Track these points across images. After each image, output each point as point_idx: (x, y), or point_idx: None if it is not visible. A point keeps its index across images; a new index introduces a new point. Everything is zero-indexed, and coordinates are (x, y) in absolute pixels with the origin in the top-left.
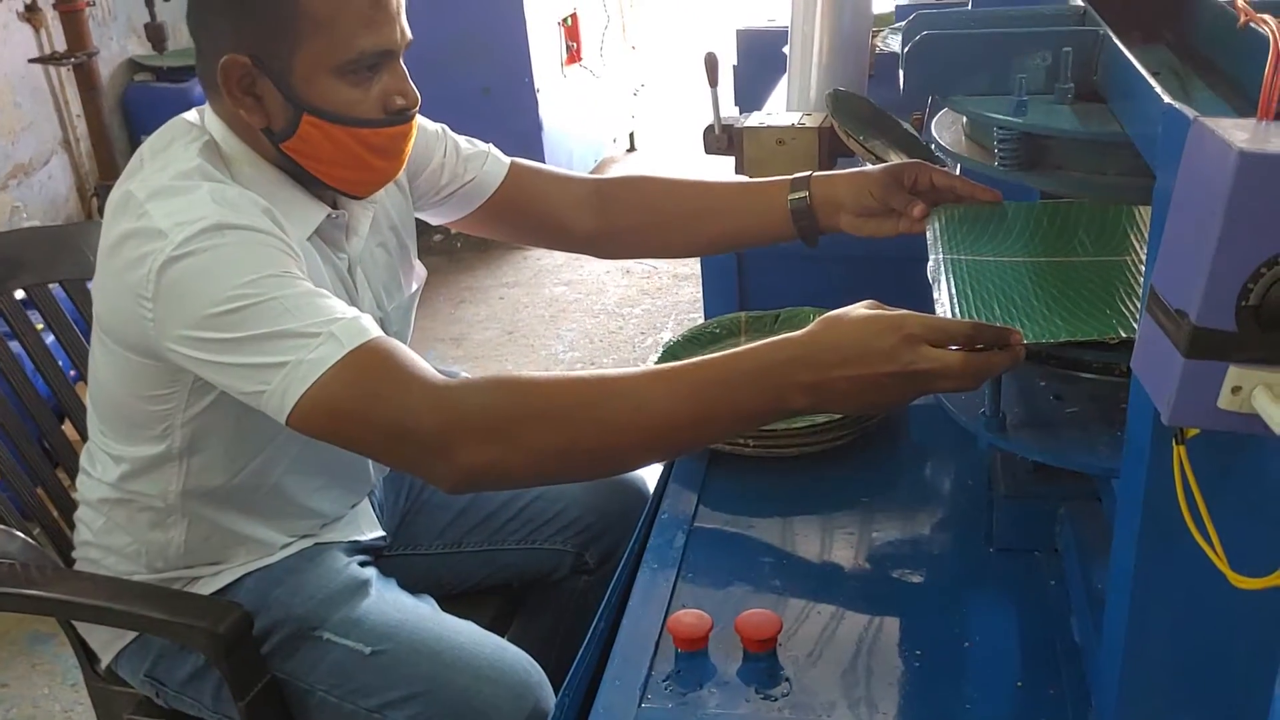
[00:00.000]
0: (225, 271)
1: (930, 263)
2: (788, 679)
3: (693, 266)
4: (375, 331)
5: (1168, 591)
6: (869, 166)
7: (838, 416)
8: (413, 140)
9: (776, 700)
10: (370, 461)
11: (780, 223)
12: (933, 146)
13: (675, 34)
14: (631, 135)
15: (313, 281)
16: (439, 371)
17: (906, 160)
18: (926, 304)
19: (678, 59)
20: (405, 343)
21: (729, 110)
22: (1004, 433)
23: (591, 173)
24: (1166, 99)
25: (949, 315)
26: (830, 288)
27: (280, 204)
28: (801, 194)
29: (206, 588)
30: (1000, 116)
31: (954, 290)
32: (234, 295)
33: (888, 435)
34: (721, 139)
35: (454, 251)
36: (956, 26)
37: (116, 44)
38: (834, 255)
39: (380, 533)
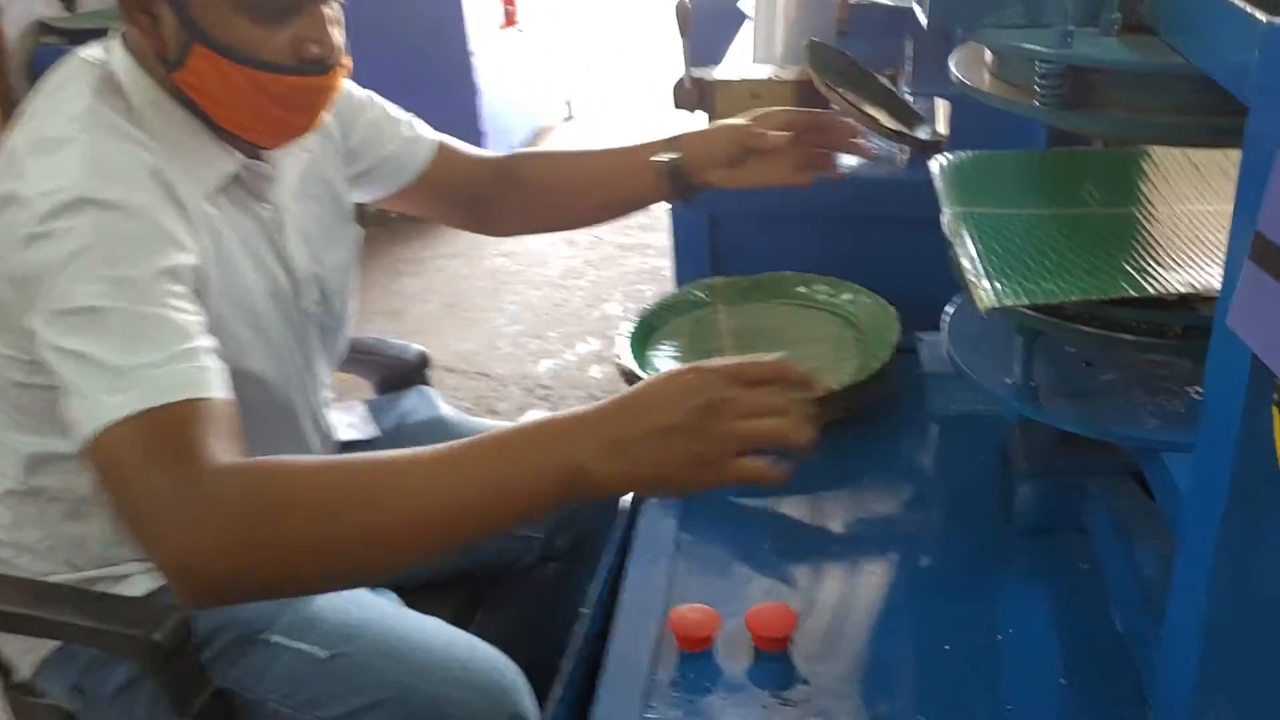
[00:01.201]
0: (72, 267)
1: (946, 216)
2: (804, 680)
3: (638, 236)
4: (190, 390)
5: (1255, 581)
6: (730, 120)
7: (834, 389)
8: (330, 98)
9: (795, 705)
10: (317, 445)
11: (646, 184)
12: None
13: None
14: (569, 102)
15: (221, 246)
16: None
17: (768, 110)
18: (908, 262)
19: (615, 20)
20: (345, 307)
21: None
22: (1036, 403)
23: (529, 144)
24: (1266, 19)
25: (978, 272)
26: (807, 249)
27: (184, 154)
28: (673, 156)
29: (137, 588)
30: (1043, 49)
31: (980, 247)
32: (71, 297)
33: (884, 410)
34: (692, 93)
35: (388, 222)
36: None
37: (23, 3)
38: (809, 215)
39: None
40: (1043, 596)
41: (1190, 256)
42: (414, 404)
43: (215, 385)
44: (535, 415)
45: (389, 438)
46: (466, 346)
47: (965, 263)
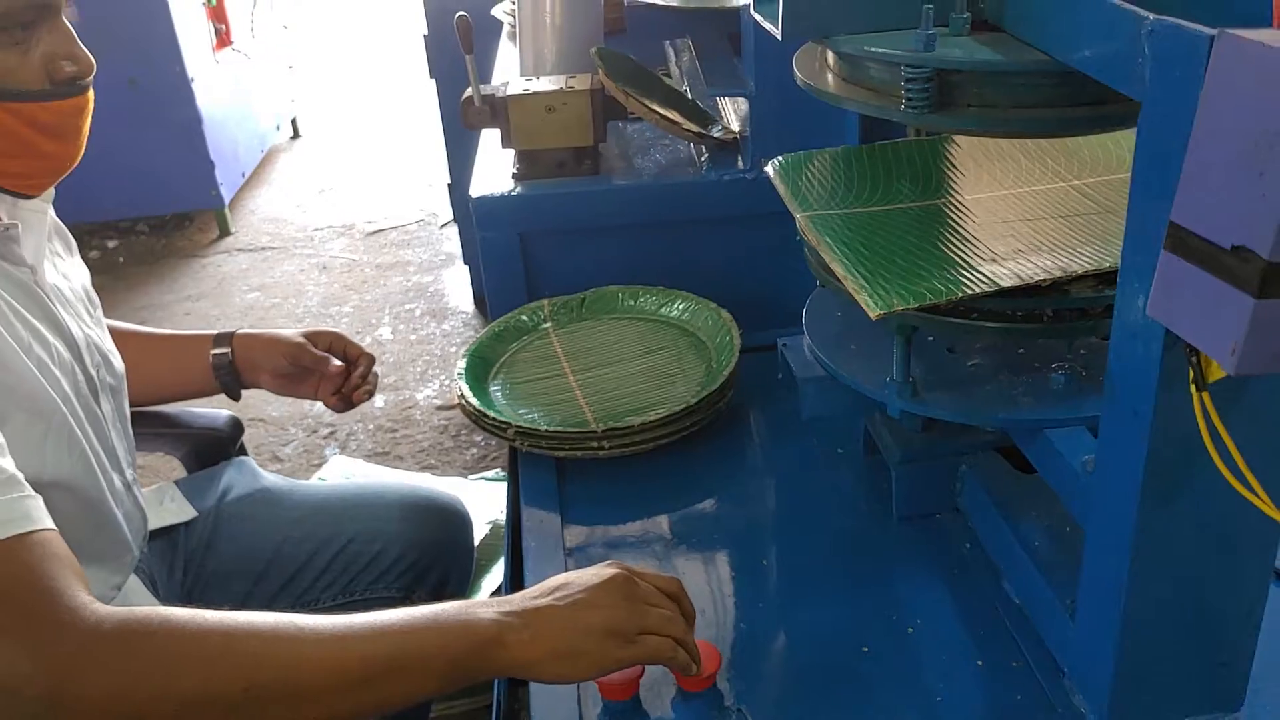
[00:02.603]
0: None
1: (799, 220)
2: (737, 710)
3: (396, 254)
4: (16, 524)
5: (1168, 548)
6: (286, 332)
7: (692, 402)
8: (89, 118)
9: None
10: (128, 524)
11: (204, 377)
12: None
13: (329, 9)
14: (294, 121)
15: None
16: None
17: (323, 329)
18: (722, 260)
19: (334, 35)
20: (121, 365)
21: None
22: (918, 398)
23: (260, 164)
24: (1149, 15)
25: (857, 281)
26: (624, 260)
27: None
28: (224, 350)
29: None
30: (906, 53)
31: (846, 250)
32: None
33: (740, 418)
34: (484, 110)
35: (117, 268)
36: None
37: None
38: (617, 226)
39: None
40: (939, 582)
41: (1024, 238)
42: (233, 478)
43: (41, 515)
44: (340, 459)
45: (210, 517)
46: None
47: (841, 270)
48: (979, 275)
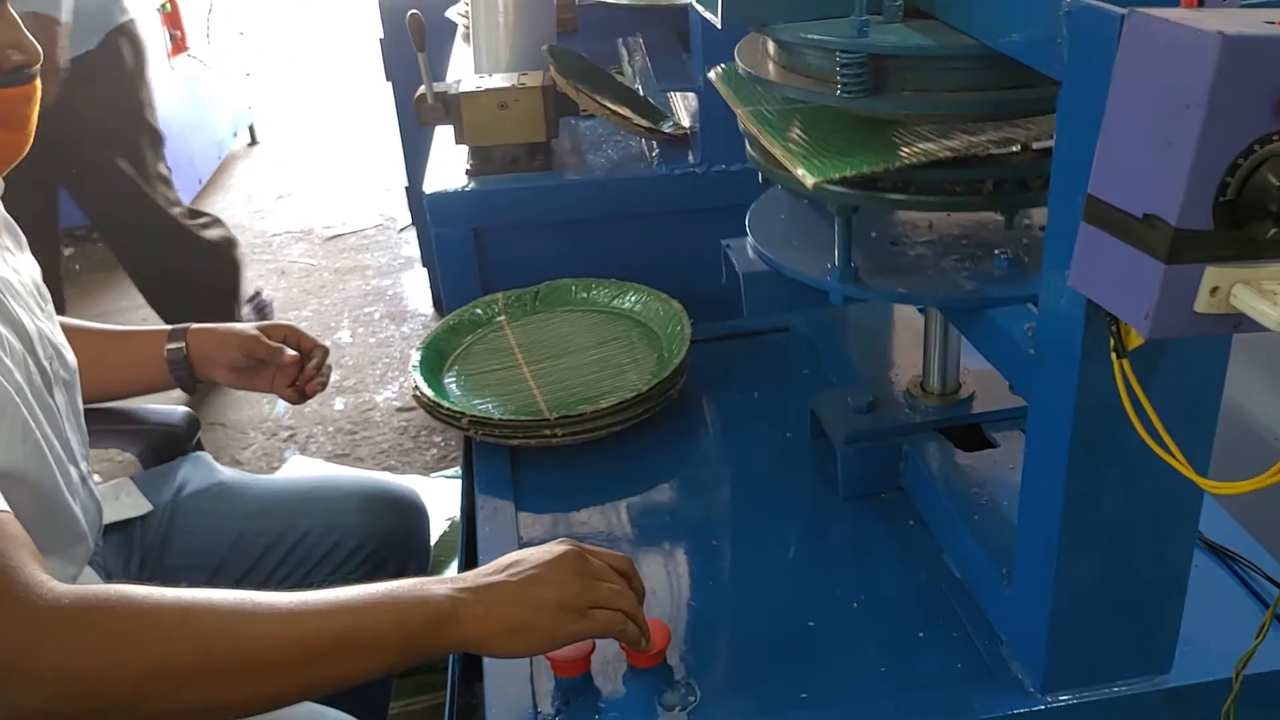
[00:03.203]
0: None
1: (739, 114)
2: (686, 684)
3: (354, 259)
4: None
5: (1096, 513)
6: (241, 325)
7: (643, 390)
8: (37, 105)
9: (686, 708)
10: (83, 516)
11: (159, 372)
12: (709, 80)
13: (285, 15)
14: (251, 127)
15: None
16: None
17: (277, 322)
18: (675, 251)
19: (290, 41)
20: (74, 358)
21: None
22: (859, 283)
23: (217, 171)
24: None
25: (793, 158)
26: (577, 253)
27: None
28: (179, 344)
29: None
30: (840, 40)
31: (783, 136)
32: None
33: (691, 406)
34: (436, 108)
35: (73, 275)
36: None
37: None
38: (571, 220)
39: None
40: (883, 558)
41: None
42: (189, 474)
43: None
44: (300, 459)
45: (166, 511)
46: (193, 397)
47: (778, 152)
48: (918, 149)
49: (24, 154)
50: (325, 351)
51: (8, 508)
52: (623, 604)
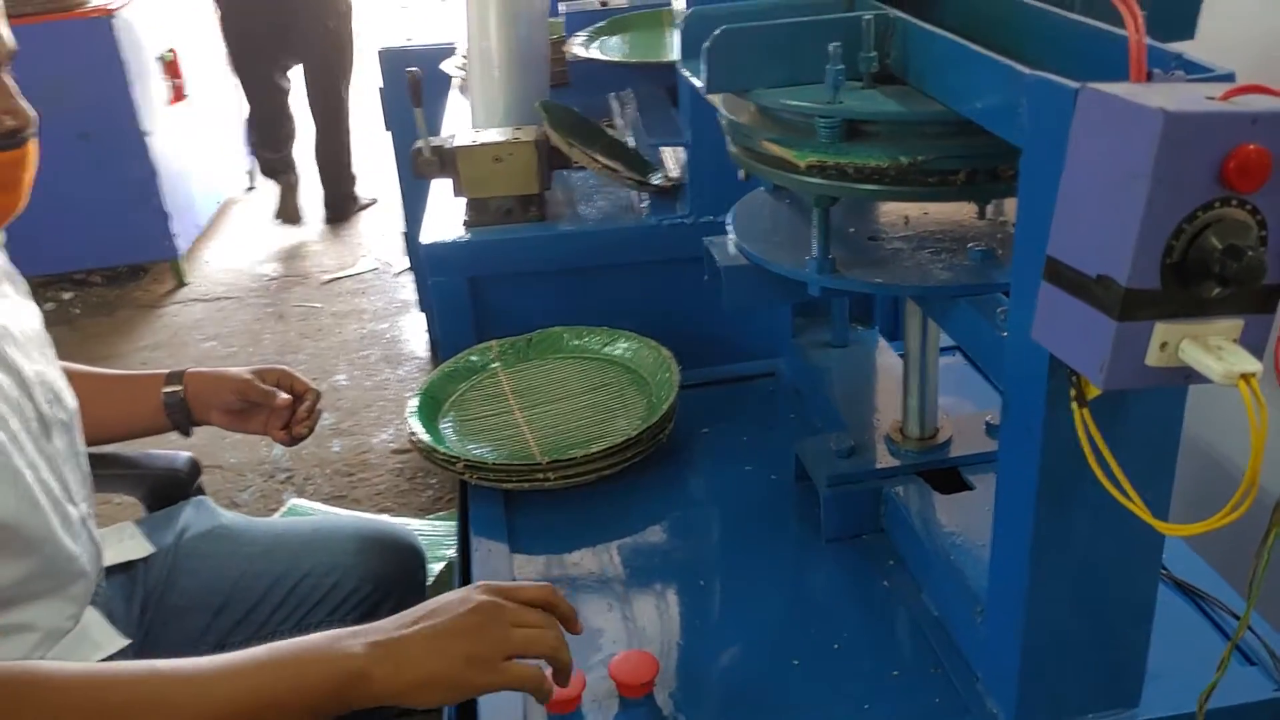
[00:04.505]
0: None
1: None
2: (675, 717)
3: (351, 303)
4: None
5: (1065, 553)
6: (235, 369)
7: (633, 434)
8: (31, 168)
9: None
10: (83, 556)
11: (156, 415)
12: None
13: None
14: (250, 173)
15: None
16: None
17: (270, 366)
18: (664, 300)
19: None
20: (73, 402)
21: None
22: (836, 274)
23: (216, 215)
24: (1026, 71)
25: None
26: (569, 302)
27: None
28: (176, 388)
29: None
30: (816, 105)
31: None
32: None
33: (679, 449)
34: (433, 161)
35: (73, 320)
36: (739, 19)
37: None
38: (564, 270)
39: (123, 643)
40: (863, 598)
41: None
42: (191, 517)
43: None
44: (298, 502)
45: (169, 553)
46: (190, 440)
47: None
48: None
49: (17, 214)
50: (317, 395)
51: None
52: (539, 649)
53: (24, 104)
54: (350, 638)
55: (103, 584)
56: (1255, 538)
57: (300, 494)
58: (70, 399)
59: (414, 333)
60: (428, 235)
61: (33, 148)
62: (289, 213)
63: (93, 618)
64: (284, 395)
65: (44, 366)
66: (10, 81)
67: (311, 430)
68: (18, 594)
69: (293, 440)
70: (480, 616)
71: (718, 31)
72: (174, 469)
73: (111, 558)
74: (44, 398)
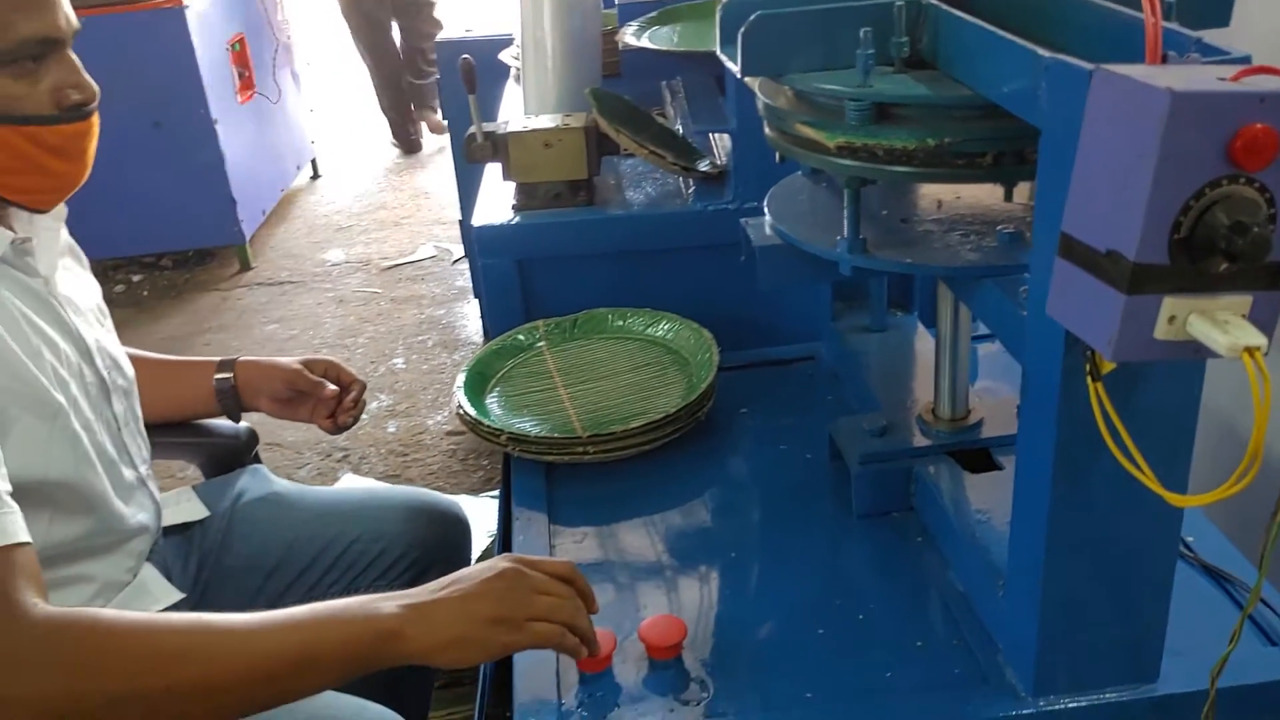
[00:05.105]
0: None
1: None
2: (700, 680)
3: (410, 289)
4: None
5: (1081, 526)
6: (285, 359)
7: (671, 411)
8: (95, 140)
9: (699, 703)
10: (140, 517)
11: (206, 400)
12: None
13: (347, 53)
14: (314, 161)
15: (1, 325)
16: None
17: (318, 357)
18: (707, 284)
19: (351, 78)
20: (131, 370)
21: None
22: (867, 253)
23: (280, 202)
24: (1045, 54)
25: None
26: (614, 284)
27: None
28: (227, 375)
29: None
30: (847, 89)
31: None
32: None
33: (717, 430)
34: (485, 146)
35: (141, 301)
36: (773, 4)
37: None
38: (610, 253)
39: (179, 596)
40: (891, 572)
41: None
42: (247, 484)
43: (20, 530)
44: (352, 477)
45: (225, 517)
46: (252, 418)
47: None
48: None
49: (82, 183)
50: (362, 386)
51: (24, 539)
52: (561, 616)
53: (88, 79)
54: (385, 600)
55: (160, 542)
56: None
57: (355, 472)
58: (128, 367)
59: (470, 319)
60: (479, 218)
61: (96, 120)
62: (410, 145)
63: (150, 573)
64: (331, 386)
65: (103, 335)
66: (75, 58)
67: (356, 420)
68: (77, 549)
69: (338, 428)
70: (505, 581)
71: (753, 16)
72: (233, 438)
73: (169, 519)
74: (104, 364)
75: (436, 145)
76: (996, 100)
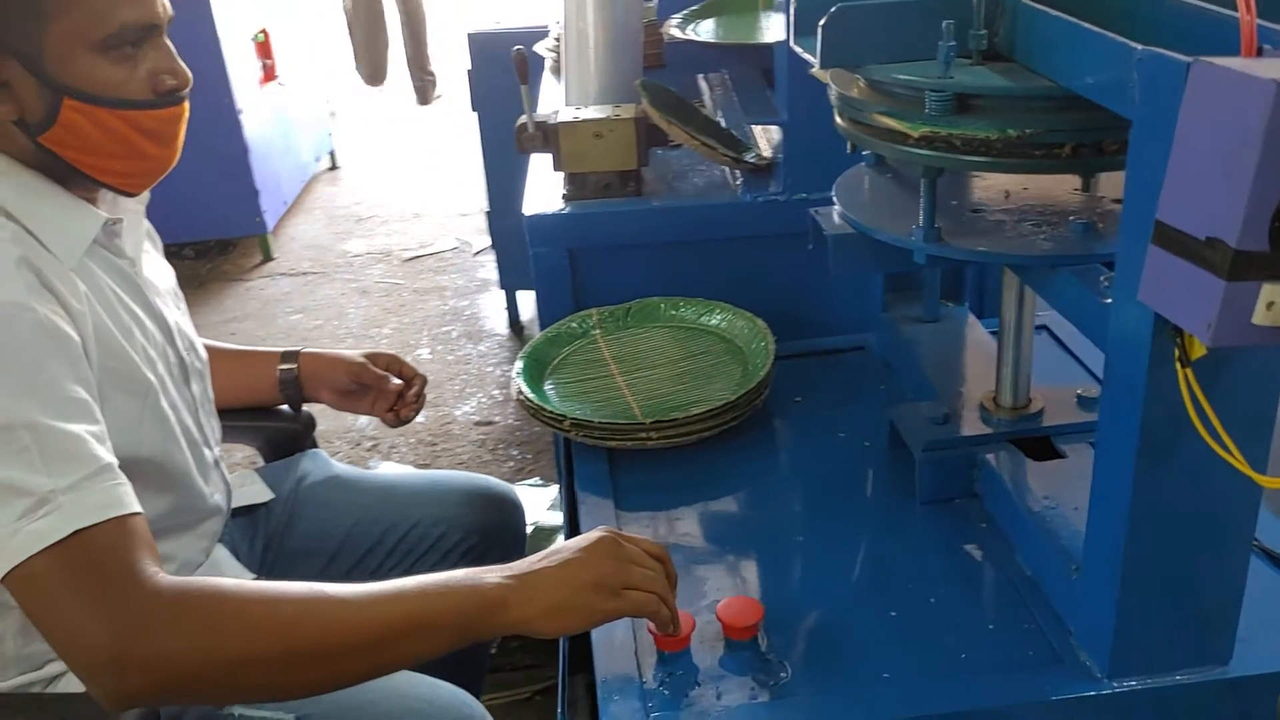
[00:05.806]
0: None
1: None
2: (777, 661)
3: (433, 280)
4: (111, 510)
5: (1162, 511)
6: (349, 352)
7: (732, 398)
8: (185, 124)
9: (778, 684)
10: (215, 495)
11: (269, 390)
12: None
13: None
14: (333, 153)
15: (94, 317)
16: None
17: (381, 351)
18: (755, 274)
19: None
20: (203, 353)
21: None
22: (942, 242)
23: (301, 193)
24: (1139, 46)
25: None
26: (665, 274)
27: (46, 220)
28: (291, 365)
29: (74, 683)
30: (927, 80)
31: None
32: None
33: (775, 416)
34: (536, 136)
35: (206, 284)
36: None
37: None
38: (660, 243)
39: (250, 577)
40: (957, 557)
41: None
42: (308, 467)
43: (133, 500)
44: (392, 465)
45: (289, 499)
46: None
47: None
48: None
49: (172, 167)
50: (424, 380)
51: (139, 509)
52: (655, 587)
53: (183, 65)
54: (489, 572)
55: (229, 524)
56: None
57: (386, 461)
58: (202, 349)
59: (494, 310)
60: (530, 208)
61: (187, 106)
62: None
63: (222, 553)
64: (396, 380)
65: (181, 318)
66: (170, 44)
67: (417, 414)
68: (160, 528)
69: (399, 422)
70: (601, 549)
71: (833, 9)
72: (293, 421)
73: (237, 500)
74: (184, 345)
75: (455, 135)
76: (1081, 92)
